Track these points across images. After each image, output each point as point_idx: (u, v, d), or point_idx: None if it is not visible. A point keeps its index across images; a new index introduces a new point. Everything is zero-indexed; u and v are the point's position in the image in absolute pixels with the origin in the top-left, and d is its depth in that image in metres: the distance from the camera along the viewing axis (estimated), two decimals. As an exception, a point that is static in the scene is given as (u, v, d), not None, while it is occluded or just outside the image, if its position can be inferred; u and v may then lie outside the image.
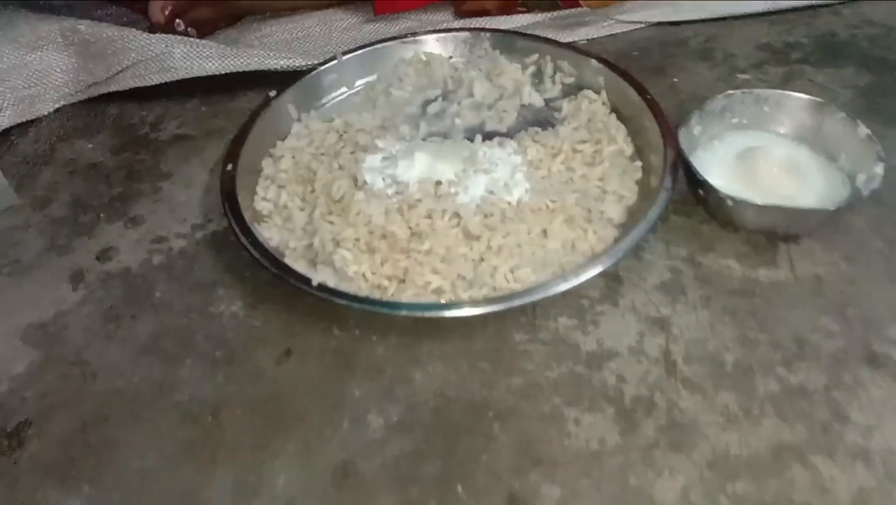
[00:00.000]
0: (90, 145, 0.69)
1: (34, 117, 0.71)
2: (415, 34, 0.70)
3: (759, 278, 0.53)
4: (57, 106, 0.72)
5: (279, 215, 0.58)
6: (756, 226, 0.54)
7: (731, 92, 0.58)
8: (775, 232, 0.54)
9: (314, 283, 0.50)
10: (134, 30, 0.73)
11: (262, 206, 0.59)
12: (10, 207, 0.63)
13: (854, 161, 0.55)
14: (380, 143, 0.60)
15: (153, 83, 0.70)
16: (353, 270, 0.52)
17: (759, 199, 0.51)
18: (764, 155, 0.56)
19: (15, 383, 0.51)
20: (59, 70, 0.73)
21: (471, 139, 0.61)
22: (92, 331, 0.53)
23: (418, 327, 0.51)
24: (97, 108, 0.72)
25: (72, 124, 0.71)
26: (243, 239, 0.54)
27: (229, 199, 0.57)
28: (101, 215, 0.62)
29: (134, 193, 0.64)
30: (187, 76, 0.70)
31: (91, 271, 0.58)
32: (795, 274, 0.53)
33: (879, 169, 0.52)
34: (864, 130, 0.55)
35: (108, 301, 0.55)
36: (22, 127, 0.71)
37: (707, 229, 0.56)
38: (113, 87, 0.71)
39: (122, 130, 0.70)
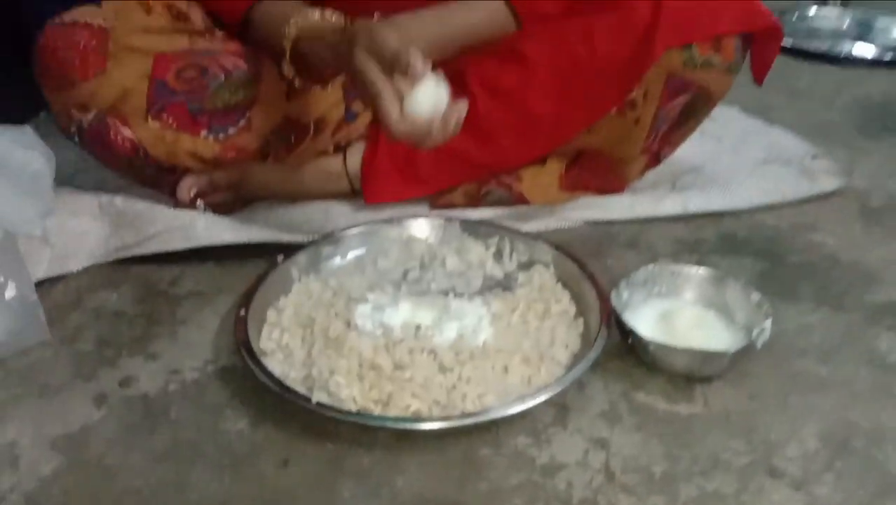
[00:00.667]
0: (115, 296, 0.80)
1: (66, 272, 0.82)
2: (399, 219, 0.86)
3: (680, 411, 0.64)
4: (87, 264, 0.84)
5: (281, 352, 0.69)
6: (674, 367, 0.66)
7: (651, 266, 0.74)
8: (691, 373, 0.66)
9: (314, 400, 0.61)
10: (162, 205, 0.88)
11: (266, 345, 0.70)
12: (43, 342, 0.72)
13: (749, 320, 0.69)
14: (370, 296, 0.72)
15: (176, 249, 0.83)
16: (345, 394, 0.62)
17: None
18: (678, 315, 0.70)
19: (42, 483, 0.57)
20: (93, 235, 0.86)
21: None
22: (113, 441, 0.61)
23: (399, 442, 0.61)
24: (122, 266, 0.84)
25: (99, 279, 0.82)
26: (252, 365, 0.64)
27: (242, 335, 0.68)
28: (123, 351, 0.72)
29: (153, 335, 0.74)
30: (206, 244, 0.83)
31: (113, 395, 0.66)
32: (709, 408, 0.65)
33: (768, 325, 0.67)
34: (756, 296, 0.70)
35: (128, 418, 0.64)
36: (53, 279, 0.81)
37: (637, 372, 0.68)
38: (139, 251, 0.84)
39: (143, 286, 0.81)
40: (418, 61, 0.65)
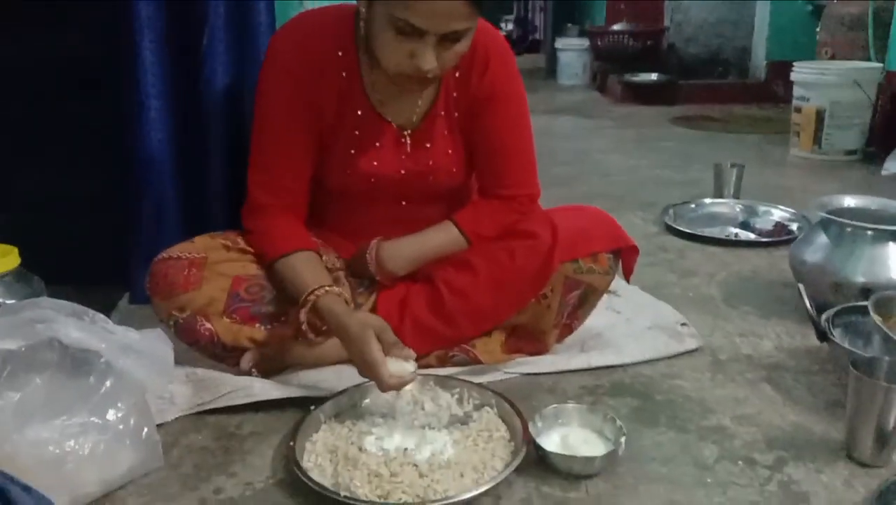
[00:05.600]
0: (199, 437, 1.18)
1: (162, 421, 1.21)
2: (391, 377, 1.27)
3: (571, 496, 1.03)
4: (177, 416, 1.22)
5: (316, 469, 1.07)
6: (568, 469, 1.05)
7: (554, 406, 1.14)
8: (578, 473, 1.05)
9: (342, 494, 0.99)
10: (229, 374, 1.28)
11: (307, 465, 1.08)
12: (158, 468, 1.09)
13: (615, 437, 1.09)
14: (374, 430, 1.12)
15: (239, 403, 1.22)
16: (360, 492, 1.00)
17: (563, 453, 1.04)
18: (571, 436, 1.10)
19: (177, 550, 0.94)
20: (180, 395, 1.25)
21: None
22: (215, 526, 0.98)
23: (395, 520, 0.98)
24: (201, 416, 1.22)
25: (187, 425, 1.21)
26: (303, 477, 1.02)
27: (293, 458, 1.06)
28: (213, 472, 1.09)
29: (230, 461, 1.12)
30: (260, 399, 1.22)
31: (210, 499, 1.03)
32: (589, 494, 1.03)
33: (623, 440, 1.06)
34: (618, 422, 1.10)
35: (222, 513, 1.01)
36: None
37: (544, 473, 1.06)
38: (214, 406, 1.23)
39: (218, 429, 1.20)
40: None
